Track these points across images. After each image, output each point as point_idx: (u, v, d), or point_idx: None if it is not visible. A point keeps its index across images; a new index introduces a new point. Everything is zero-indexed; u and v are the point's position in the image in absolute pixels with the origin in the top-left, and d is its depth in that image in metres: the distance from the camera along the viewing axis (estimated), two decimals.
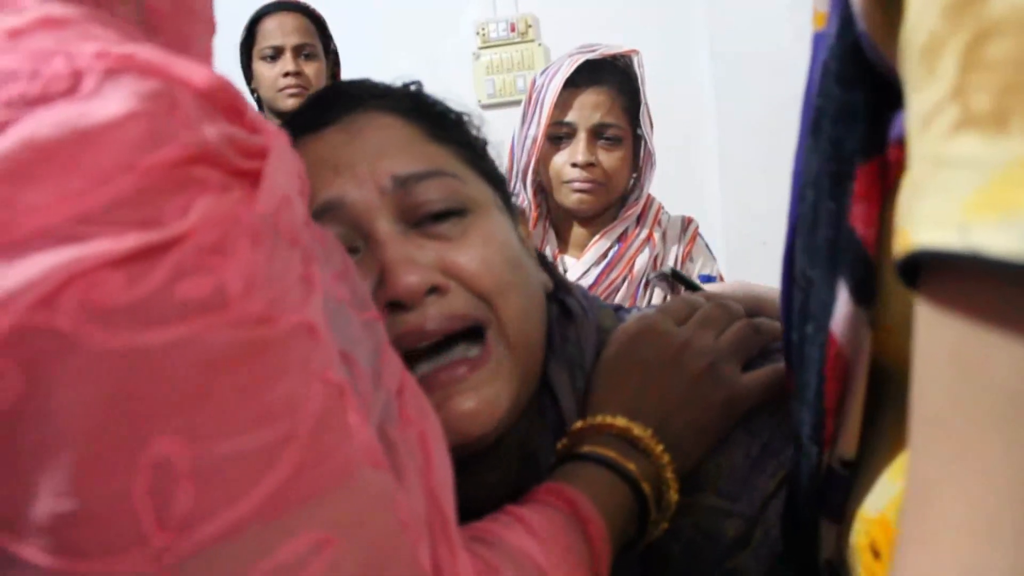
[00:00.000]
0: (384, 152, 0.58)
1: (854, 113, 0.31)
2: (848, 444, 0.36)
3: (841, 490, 0.37)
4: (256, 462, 0.31)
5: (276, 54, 2.01)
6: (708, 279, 1.52)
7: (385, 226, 0.56)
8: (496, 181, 0.65)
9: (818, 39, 0.34)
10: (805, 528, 0.41)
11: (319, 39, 2.06)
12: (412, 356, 0.54)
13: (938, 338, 0.24)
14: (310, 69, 2.02)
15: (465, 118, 0.67)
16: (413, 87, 0.67)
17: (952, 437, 0.23)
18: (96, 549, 0.29)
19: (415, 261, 0.54)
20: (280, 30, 2.01)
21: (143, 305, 0.29)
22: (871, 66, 0.29)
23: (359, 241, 0.56)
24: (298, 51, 2.01)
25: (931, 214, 0.22)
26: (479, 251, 0.57)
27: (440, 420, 0.45)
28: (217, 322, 0.30)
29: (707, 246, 1.58)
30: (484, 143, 0.67)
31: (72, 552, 0.29)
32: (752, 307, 0.66)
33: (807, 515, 0.41)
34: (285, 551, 0.31)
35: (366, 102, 0.62)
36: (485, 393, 0.54)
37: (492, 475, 0.60)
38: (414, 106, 0.63)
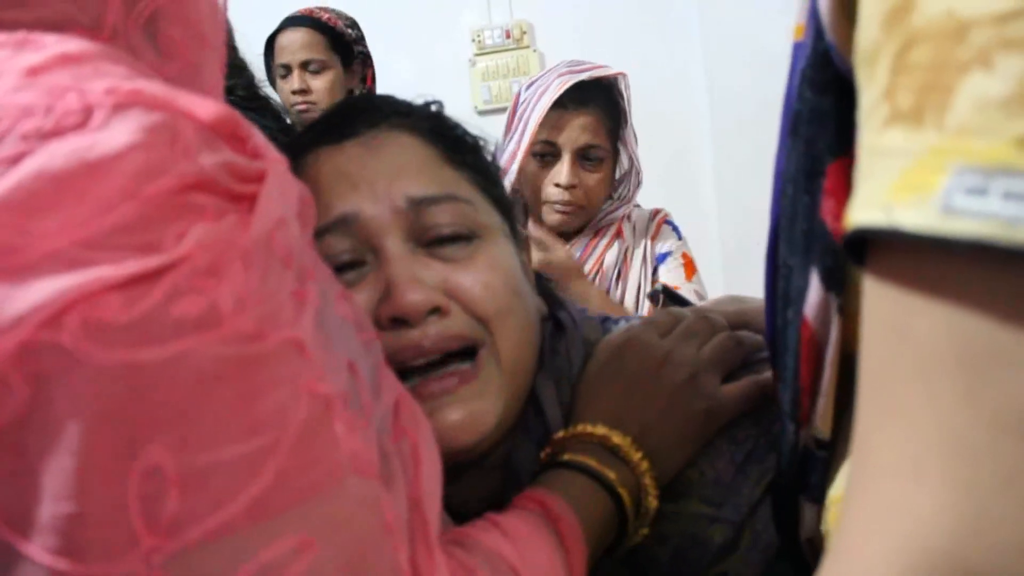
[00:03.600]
0: (401, 172, 0.60)
1: (825, 115, 0.34)
2: (822, 423, 0.39)
3: (820, 472, 0.40)
4: (241, 470, 0.33)
5: (287, 71, 2.03)
6: (664, 256, 1.54)
7: (395, 244, 0.58)
8: (505, 207, 0.66)
9: (797, 48, 0.37)
10: (787, 508, 0.44)
11: (330, 50, 2.04)
12: (407, 371, 0.56)
13: (875, 306, 0.27)
14: (319, 83, 2.02)
15: (481, 143, 0.68)
16: (434, 107, 0.68)
17: (884, 393, 0.26)
18: (95, 553, 0.31)
19: (420, 280, 0.56)
20: (288, 48, 2.03)
21: (140, 324, 0.31)
22: (840, 73, 0.33)
23: (368, 255, 0.58)
24: (304, 67, 2.02)
25: (865, 197, 0.26)
26: (483, 275, 0.59)
27: None
28: (209, 339, 0.32)
29: (675, 229, 1.58)
30: (497, 170, 0.69)
31: (73, 554, 0.31)
32: (737, 321, 0.67)
33: (788, 495, 0.43)
34: (268, 553, 0.33)
35: (389, 119, 0.63)
36: (472, 407, 0.56)
37: (476, 490, 0.61)
38: (434, 128, 0.64)
